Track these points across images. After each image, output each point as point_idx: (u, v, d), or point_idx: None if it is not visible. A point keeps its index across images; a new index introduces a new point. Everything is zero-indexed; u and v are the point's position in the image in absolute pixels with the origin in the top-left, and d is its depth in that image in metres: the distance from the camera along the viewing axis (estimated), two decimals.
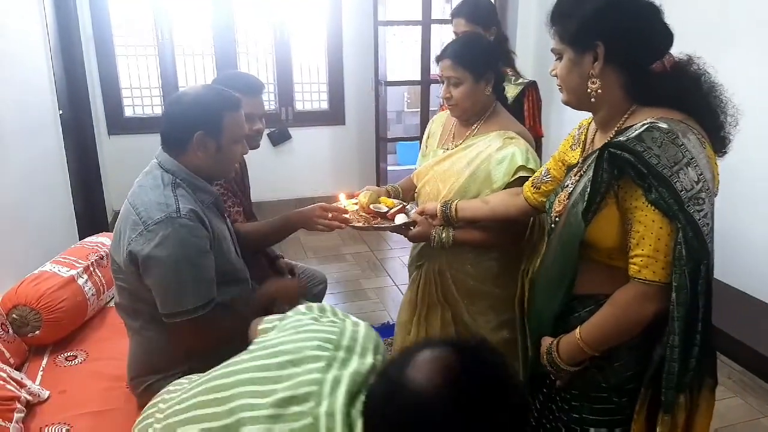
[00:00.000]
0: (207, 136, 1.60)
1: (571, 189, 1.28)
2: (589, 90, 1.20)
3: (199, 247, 1.54)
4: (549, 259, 1.34)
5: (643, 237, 1.11)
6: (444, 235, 1.77)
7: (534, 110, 2.60)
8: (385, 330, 3.17)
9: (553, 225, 1.34)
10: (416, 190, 1.99)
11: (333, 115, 5.44)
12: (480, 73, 1.77)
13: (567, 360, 1.27)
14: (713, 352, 1.17)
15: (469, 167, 1.79)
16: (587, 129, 1.39)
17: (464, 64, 1.76)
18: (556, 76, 1.27)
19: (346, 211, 1.93)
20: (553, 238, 1.33)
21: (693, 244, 1.06)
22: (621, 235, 1.17)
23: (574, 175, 1.31)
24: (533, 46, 4.67)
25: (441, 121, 2.05)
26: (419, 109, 5.49)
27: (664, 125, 1.11)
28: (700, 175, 1.09)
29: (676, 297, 1.09)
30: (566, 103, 1.28)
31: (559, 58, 1.25)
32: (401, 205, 1.88)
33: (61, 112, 3.35)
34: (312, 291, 2.39)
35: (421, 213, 1.79)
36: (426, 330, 1.98)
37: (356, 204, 1.97)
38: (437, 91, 6.05)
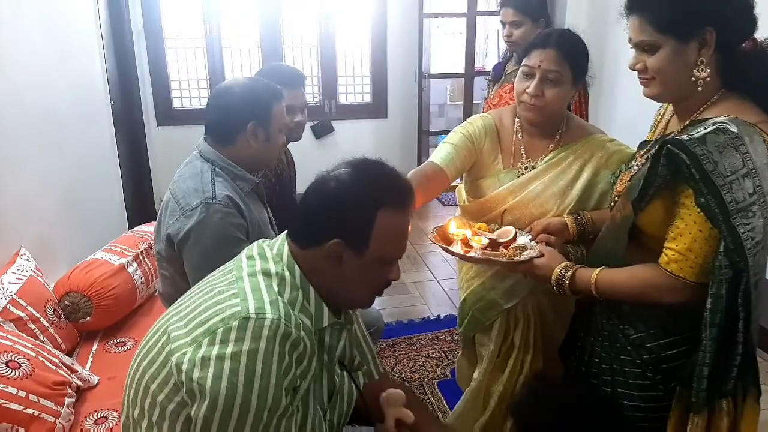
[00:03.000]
0: (258, 126, 1.64)
1: (635, 171, 1.27)
2: (694, 78, 1.13)
3: (232, 234, 1.57)
4: (602, 234, 1.36)
5: (681, 234, 1.11)
6: (579, 253, 1.54)
7: (582, 105, 2.53)
8: (424, 325, 3.16)
9: (612, 203, 1.35)
10: (489, 217, 1.64)
11: (375, 108, 5.43)
12: (579, 76, 1.55)
13: (573, 289, 1.30)
14: (755, 361, 1.15)
15: (578, 182, 1.57)
16: (664, 111, 1.35)
17: (571, 60, 1.50)
18: (639, 70, 1.18)
19: None
20: (612, 214, 1.33)
21: (733, 256, 1.05)
22: (667, 226, 1.16)
23: (640, 157, 1.29)
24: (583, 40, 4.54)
25: (490, 130, 1.66)
26: (462, 102, 5.43)
27: (733, 129, 1.06)
28: (758, 186, 1.07)
29: (711, 304, 1.08)
30: (655, 96, 1.20)
31: (649, 50, 1.14)
32: (515, 232, 1.53)
33: (112, 102, 3.44)
34: None
35: (544, 231, 1.53)
36: (516, 377, 1.73)
37: (472, 233, 1.53)
38: (481, 84, 5.94)
